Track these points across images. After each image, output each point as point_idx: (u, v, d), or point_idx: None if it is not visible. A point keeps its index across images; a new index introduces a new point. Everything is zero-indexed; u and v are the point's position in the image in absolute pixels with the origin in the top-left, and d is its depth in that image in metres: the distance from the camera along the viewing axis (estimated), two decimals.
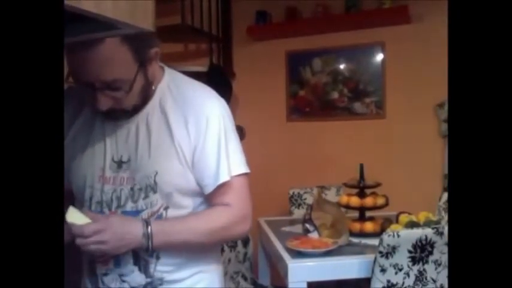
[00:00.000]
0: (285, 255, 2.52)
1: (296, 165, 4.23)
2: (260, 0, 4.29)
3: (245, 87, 4.34)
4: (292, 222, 3.29)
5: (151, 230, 1.35)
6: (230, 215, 1.47)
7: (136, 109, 1.43)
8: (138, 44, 1.32)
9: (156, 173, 1.41)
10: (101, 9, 0.81)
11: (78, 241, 1.32)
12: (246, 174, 1.50)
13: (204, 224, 1.45)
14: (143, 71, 1.37)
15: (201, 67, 4.02)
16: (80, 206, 1.51)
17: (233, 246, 2.93)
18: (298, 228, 3.00)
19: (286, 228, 3.15)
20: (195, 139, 1.41)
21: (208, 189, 1.44)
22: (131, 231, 1.35)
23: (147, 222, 1.36)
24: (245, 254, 3.05)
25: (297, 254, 2.51)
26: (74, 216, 1.32)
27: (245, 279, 3.05)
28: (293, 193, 3.75)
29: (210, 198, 1.48)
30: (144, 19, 0.93)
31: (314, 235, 2.73)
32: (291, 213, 3.71)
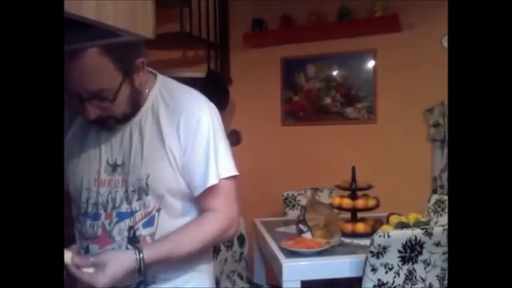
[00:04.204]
0: (280, 255, 2.51)
1: (290, 167, 4.23)
2: (256, 8, 4.29)
3: (242, 93, 4.34)
4: (287, 223, 3.29)
5: (143, 256, 1.33)
6: (219, 223, 1.47)
7: (127, 117, 1.43)
8: (122, 54, 1.31)
9: (148, 175, 1.41)
10: (102, 17, 0.80)
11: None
12: (234, 176, 1.49)
13: (195, 238, 1.44)
14: (129, 80, 1.37)
15: (199, 73, 4.03)
16: (77, 208, 1.52)
17: (229, 246, 2.93)
18: (292, 229, 3.00)
19: (281, 229, 3.15)
20: (184, 142, 1.41)
21: (197, 191, 1.44)
22: (126, 267, 1.33)
23: (139, 250, 1.34)
24: (241, 253, 3.05)
25: (291, 254, 2.51)
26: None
27: (241, 278, 3.05)
28: (287, 195, 3.75)
29: (198, 201, 1.47)
30: (144, 26, 0.93)
31: (307, 235, 2.73)
32: (285, 214, 3.70)
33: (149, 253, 1.35)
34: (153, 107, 1.45)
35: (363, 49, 4.04)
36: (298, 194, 3.74)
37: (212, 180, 1.42)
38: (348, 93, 4.11)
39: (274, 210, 3.88)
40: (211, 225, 1.46)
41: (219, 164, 1.44)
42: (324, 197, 3.62)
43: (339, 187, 3.09)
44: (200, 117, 1.44)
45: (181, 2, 3.78)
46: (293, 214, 3.51)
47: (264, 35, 4.26)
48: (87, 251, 1.48)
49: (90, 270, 1.31)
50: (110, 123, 1.42)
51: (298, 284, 2.38)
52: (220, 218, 1.47)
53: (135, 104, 1.43)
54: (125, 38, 0.92)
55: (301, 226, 2.79)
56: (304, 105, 4.27)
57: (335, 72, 4.16)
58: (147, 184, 1.41)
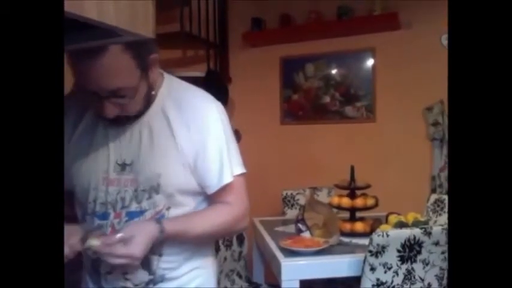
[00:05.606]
0: (279, 254, 2.52)
1: (289, 166, 4.24)
2: (255, 7, 4.30)
3: (241, 92, 4.34)
4: (286, 222, 3.30)
5: (163, 226, 1.35)
6: (233, 213, 1.50)
7: (139, 114, 1.43)
8: (140, 50, 1.31)
9: (159, 175, 1.41)
10: (103, 17, 0.81)
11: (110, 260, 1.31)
12: (243, 173, 1.53)
13: (210, 221, 1.48)
14: (145, 77, 1.37)
15: (199, 72, 4.03)
16: (82, 208, 1.51)
17: (229, 245, 2.93)
18: (291, 228, 3.00)
19: (280, 228, 3.16)
20: (197, 142, 1.42)
21: (212, 190, 1.46)
22: (152, 235, 1.33)
23: (157, 221, 1.36)
24: (240, 252, 3.05)
25: (290, 253, 2.52)
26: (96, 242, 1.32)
27: (240, 277, 3.05)
28: (286, 194, 3.76)
29: (211, 197, 1.50)
30: (145, 26, 0.93)
31: (306, 235, 2.74)
32: (284, 213, 3.71)
33: (169, 225, 1.37)
34: (162, 106, 1.45)
35: (361, 47, 4.05)
36: (297, 193, 3.74)
37: (227, 179, 1.46)
38: (347, 92, 4.12)
39: (273, 209, 3.89)
40: (226, 213, 1.50)
41: (233, 162, 1.48)
42: (322, 196, 3.63)
43: (337, 186, 3.10)
44: (211, 116, 1.46)
45: (182, 2, 3.79)
46: (292, 213, 3.52)
47: (263, 34, 4.26)
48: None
49: None
50: (122, 121, 1.41)
51: (297, 283, 2.38)
52: (235, 209, 1.51)
53: (148, 101, 1.43)
54: (125, 37, 0.93)
55: (300, 225, 2.80)
56: (303, 104, 4.28)
57: (334, 71, 4.17)
58: (158, 183, 1.41)
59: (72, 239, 1.31)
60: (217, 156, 1.45)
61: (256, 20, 4.24)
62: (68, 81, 1.19)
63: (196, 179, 1.45)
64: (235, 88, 4.33)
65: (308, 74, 4.25)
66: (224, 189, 1.47)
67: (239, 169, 1.51)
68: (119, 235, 1.31)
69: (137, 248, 1.30)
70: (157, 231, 1.34)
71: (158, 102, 1.46)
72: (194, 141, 1.42)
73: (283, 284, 2.39)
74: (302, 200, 3.59)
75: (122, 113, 1.37)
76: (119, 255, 1.30)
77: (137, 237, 1.30)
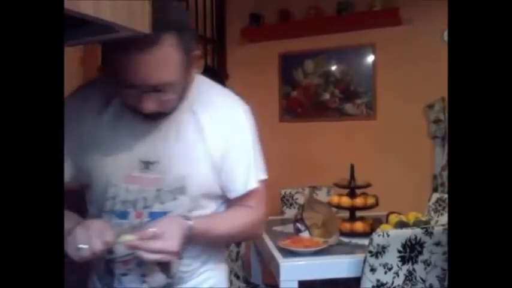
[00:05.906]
0: (277, 254, 2.52)
1: (288, 165, 4.23)
2: (254, 2, 4.29)
3: (238, 88, 4.28)
4: (284, 222, 3.29)
5: (191, 224, 1.31)
6: (252, 217, 1.51)
7: (170, 111, 1.36)
8: (187, 46, 1.27)
9: (186, 176, 1.37)
10: (99, 13, 0.81)
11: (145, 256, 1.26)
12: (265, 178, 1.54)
13: (230, 223, 1.47)
14: (187, 74, 1.32)
15: (196, 69, 4.02)
16: (98, 205, 1.45)
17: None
18: (289, 228, 3.00)
19: (278, 228, 3.16)
20: (225, 146, 1.40)
21: (235, 194, 1.45)
22: (182, 231, 1.30)
23: (185, 218, 1.33)
24: (237, 252, 3.05)
25: (289, 253, 2.52)
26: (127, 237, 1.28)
27: (238, 277, 3.05)
28: (285, 193, 3.76)
29: (232, 201, 1.48)
30: (142, 22, 0.93)
31: (305, 234, 2.74)
32: (282, 213, 3.71)
33: (197, 223, 1.34)
34: (191, 105, 1.40)
35: (362, 43, 4.05)
36: (296, 192, 3.75)
37: (252, 185, 1.46)
38: (347, 89, 4.12)
39: (271, 208, 3.88)
40: (245, 216, 1.49)
41: (258, 167, 1.50)
42: (322, 196, 3.63)
43: (337, 185, 3.09)
44: (239, 119, 1.46)
45: None
46: (291, 213, 3.52)
47: (262, 29, 4.27)
48: (110, 251, 1.40)
49: None
50: (154, 117, 1.34)
51: (296, 284, 2.38)
52: (254, 214, 1.51)
53: (182, 99, 1.37)
54: (122, 33, 0.92)
55: (299, 225, 2.80)
56: (302, 101, 4.28)
57: (333, 68, 4.17)
58: (184, 185, 1.37)
59: (106, 235, 1.24)
60: (245, 161, 1.45)
61: (255, 16, 4.24)
62: (68, 80, 1.15)
63: (220, 183, 1.43)
64: (233, 85, 4.30)
65: (307, 70, 4.25)
66: (247, 194, 1.46)
67: (263, 175, 1.52)
68: (152, 229, 1.26)
69: (174, 242, 1.25)
70: (187, 227, 1.30)
71: (188, 101, 1.40)
72: (222, 144, 1.40)
73: (282, 285, 2.39)
74: (301, 199, 3.60)
75: (159, 109, 1.30)
76: (156, 250, 1.25)
77: (170, 232, 1.26)
